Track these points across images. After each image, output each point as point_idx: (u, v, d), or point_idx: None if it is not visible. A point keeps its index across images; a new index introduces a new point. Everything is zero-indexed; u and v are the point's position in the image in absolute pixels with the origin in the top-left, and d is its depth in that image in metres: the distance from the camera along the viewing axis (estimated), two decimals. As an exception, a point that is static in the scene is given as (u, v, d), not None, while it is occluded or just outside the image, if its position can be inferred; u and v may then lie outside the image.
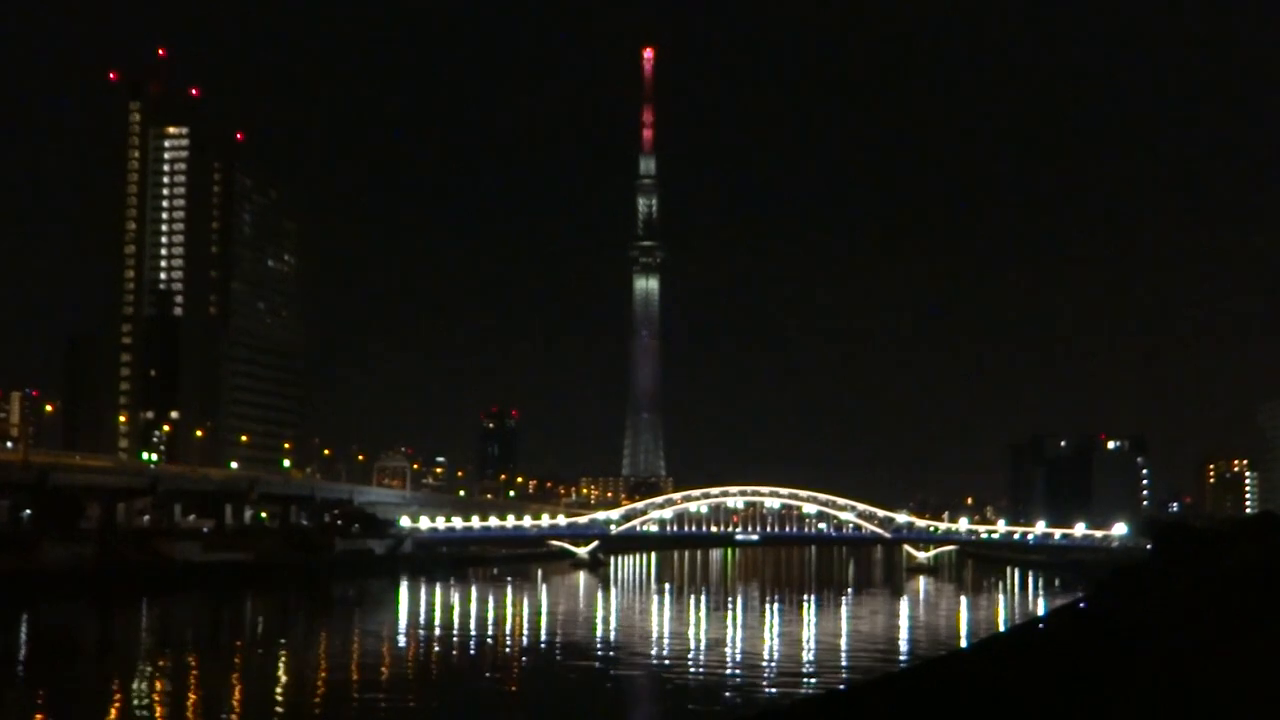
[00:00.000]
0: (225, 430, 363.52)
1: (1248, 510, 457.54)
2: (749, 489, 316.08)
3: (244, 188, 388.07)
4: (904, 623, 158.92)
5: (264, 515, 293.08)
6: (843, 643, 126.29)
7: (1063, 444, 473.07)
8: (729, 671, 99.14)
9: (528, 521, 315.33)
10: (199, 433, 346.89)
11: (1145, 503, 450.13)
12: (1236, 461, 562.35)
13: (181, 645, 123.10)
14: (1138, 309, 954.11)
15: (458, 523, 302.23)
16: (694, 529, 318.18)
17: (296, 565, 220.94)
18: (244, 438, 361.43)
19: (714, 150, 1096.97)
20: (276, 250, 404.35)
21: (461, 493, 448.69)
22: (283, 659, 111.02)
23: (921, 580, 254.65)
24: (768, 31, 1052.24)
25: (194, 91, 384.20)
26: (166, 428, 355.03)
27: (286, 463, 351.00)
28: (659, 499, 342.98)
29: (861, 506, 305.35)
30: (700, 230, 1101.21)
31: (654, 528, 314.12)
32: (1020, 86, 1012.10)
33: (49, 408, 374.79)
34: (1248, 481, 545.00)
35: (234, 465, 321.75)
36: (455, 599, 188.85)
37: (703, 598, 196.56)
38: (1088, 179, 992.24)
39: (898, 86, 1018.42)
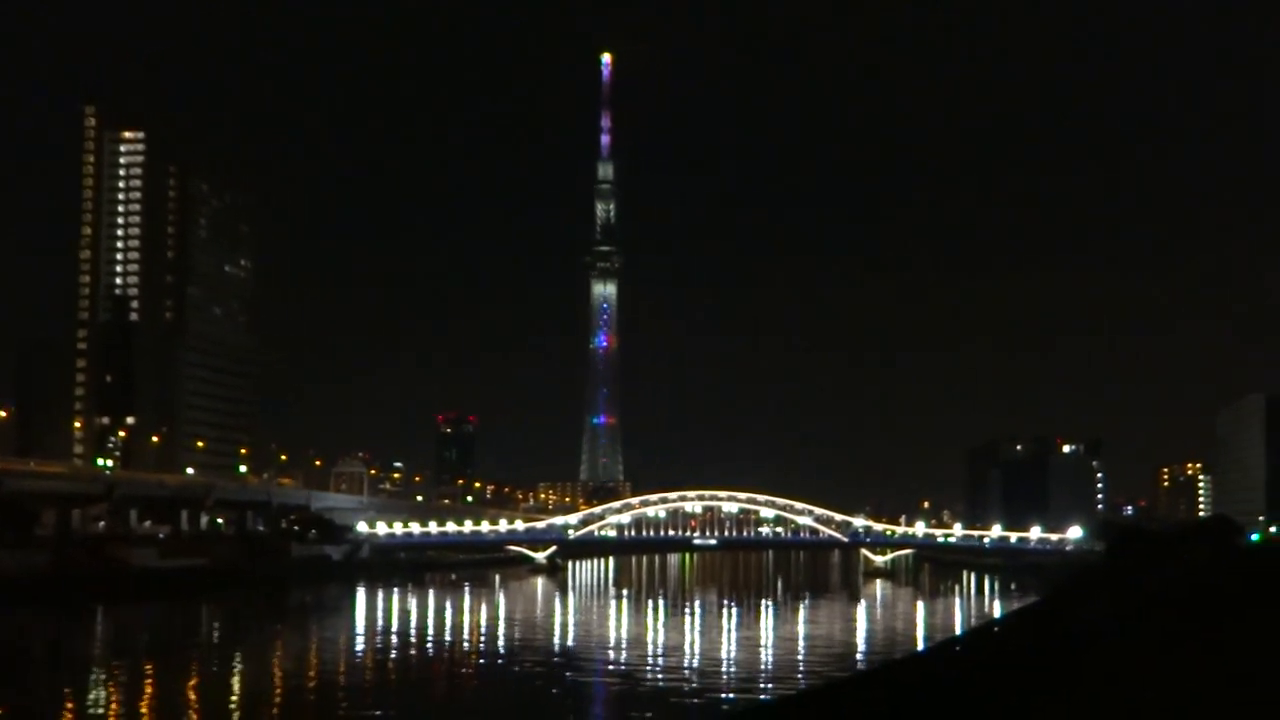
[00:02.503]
0: (181, 436, 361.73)
1: (1201, 514, 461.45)
2: (707, 494, 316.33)
3: (200, 192, 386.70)
4: (861, 626, 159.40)
5: (220, 521, 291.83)
6: (800, 646, 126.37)
7: (1019, 448, 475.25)
8: (686, 676, 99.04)
9: (485, 527, 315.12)
10: (155, 438, 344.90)
11: (1100, 506, 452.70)
12: (1190, 466, 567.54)
13: (137, 653, 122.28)
14: (1095, 313, 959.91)
15: (415, 528, 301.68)
16: (652, 534, 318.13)
17: (253, 571, 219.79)
18: (200, 443, 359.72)
19: (673, 154, 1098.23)
20: (233, 255, 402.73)
21: (419, 498, 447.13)
22: (239, 666, 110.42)
23: (879, 584, 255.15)
24: (733, 33, 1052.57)
25: (150, 96, 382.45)
26: (122, 433, 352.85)
27: (243, 468, 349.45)
28: (617, 504, 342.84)
29: (819, 510, 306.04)
30: (658, 235, 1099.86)
31: (612, 533, 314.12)
32: (993, 85, 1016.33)
33: (2, 414, 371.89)
34: (1201, 486, 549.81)
35: (190, 471, 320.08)
36: (412, 605, 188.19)
37: (660, 603, 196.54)
38: (1049, 183, 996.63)
39: (860, 87, 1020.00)
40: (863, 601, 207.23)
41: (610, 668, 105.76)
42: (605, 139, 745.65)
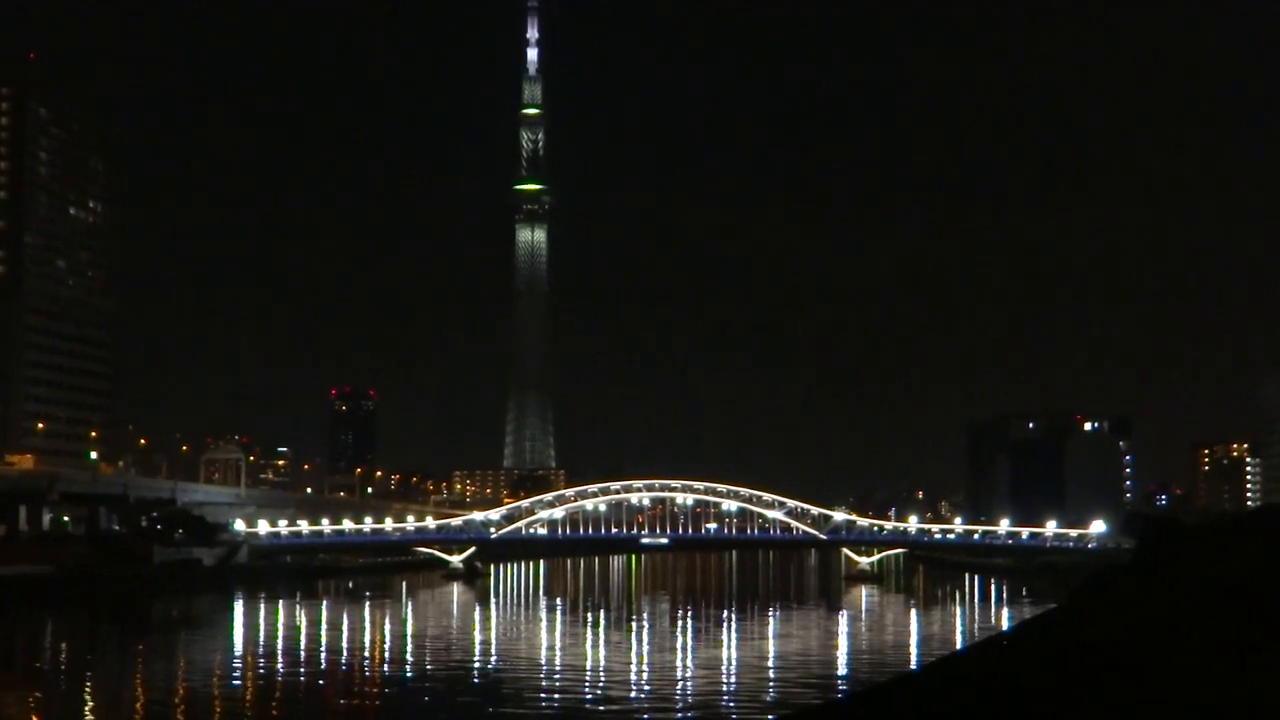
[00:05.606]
0: (18, 416, 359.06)
1: (1249, 503, 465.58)
2: (657, 483, 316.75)
3: (39, 119, 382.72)
4: (842, 642, 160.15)
5: (67, 519, 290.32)
6: (769, 668, 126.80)
7: (1031, 426, 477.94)
8: (632, 705, 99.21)
9: (389, 525, 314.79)
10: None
11: (1128, 495, 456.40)
12: (1235, 446, 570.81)
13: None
14: (1119, 269, 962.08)
15: (304, 526, 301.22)
16: (591, 531, 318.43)
17: (107, 580, 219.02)
18: (41, 425, 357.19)
19: (613, 74, 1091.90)
20: (80, 196, 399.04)
21: (308, 490, 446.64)
22: (89, 697, 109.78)
23: (863, 590, 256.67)
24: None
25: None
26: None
27: (94, 455, 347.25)
28: (548, 496, 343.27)
29: (792, 503, 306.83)
30: (596, 171, 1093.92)
31: (543, 530, 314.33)
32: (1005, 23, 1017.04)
33: None
34: (1249, 469, 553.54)
35: (29, 458, 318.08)
36: (301, 620, 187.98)
37: (601, 615, 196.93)
38: (1070, 119, 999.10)
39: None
40: (844, 611, 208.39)
41: (540, 697, 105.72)
42: (532, 53, 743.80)
